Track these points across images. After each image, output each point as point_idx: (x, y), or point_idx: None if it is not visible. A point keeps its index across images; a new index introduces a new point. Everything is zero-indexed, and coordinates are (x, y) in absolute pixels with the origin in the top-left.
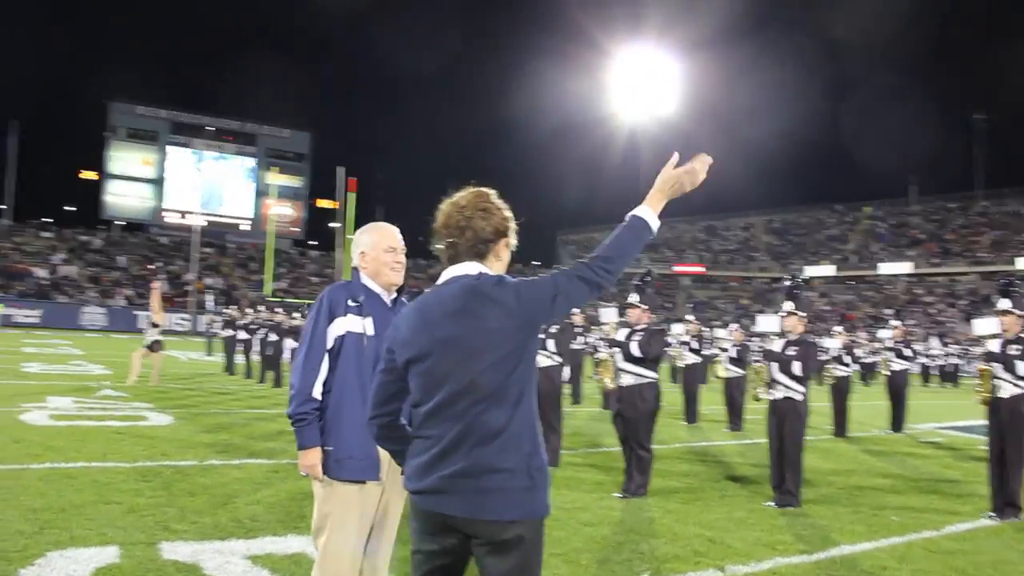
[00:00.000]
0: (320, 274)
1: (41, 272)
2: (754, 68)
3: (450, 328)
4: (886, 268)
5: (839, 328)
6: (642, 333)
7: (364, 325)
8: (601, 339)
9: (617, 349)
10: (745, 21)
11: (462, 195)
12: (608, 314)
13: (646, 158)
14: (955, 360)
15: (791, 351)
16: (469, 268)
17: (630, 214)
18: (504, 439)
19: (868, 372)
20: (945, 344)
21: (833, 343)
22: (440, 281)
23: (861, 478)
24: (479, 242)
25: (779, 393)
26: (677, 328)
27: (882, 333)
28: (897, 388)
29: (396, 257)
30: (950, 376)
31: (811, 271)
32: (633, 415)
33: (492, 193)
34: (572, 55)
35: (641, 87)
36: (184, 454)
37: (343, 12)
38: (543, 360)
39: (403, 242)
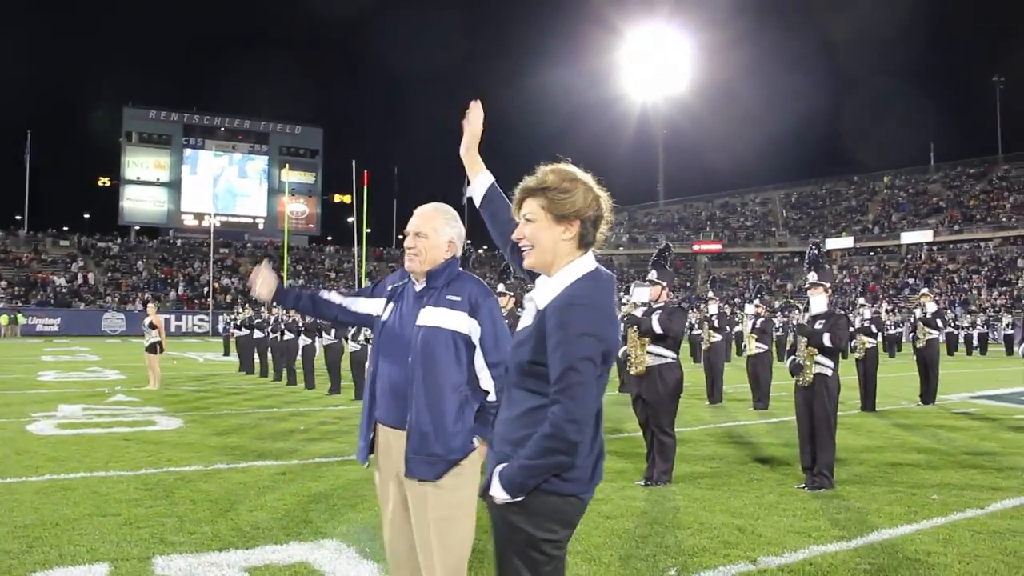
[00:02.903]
0: (338, 269)
1: (60, 280)
2: (767, 40)
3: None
4: (907, 237)
5: (862, 300)
6: (660, 311)
7: (386, 310)
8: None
9: (634, 327)
10: None
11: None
12: (641, 293)
13: (659, 137)
14: (982, 328)
15: (819, 324)
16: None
17: (494, 183)
18: None
19: (893, 344)
20: (970, 312)
21: (862, 314)
22: (599, 269)
23: (895, 454)
24: None
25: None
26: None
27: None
28: (929, 359)
29: (407, 243)
30: (977, 344)
31: (831, 243)
32: (654, 398)
33: None
34: (582, 36)
35: (653, 66)
36: (189, 459)
37: (347, 7)
38: None
39: (420, 224)
